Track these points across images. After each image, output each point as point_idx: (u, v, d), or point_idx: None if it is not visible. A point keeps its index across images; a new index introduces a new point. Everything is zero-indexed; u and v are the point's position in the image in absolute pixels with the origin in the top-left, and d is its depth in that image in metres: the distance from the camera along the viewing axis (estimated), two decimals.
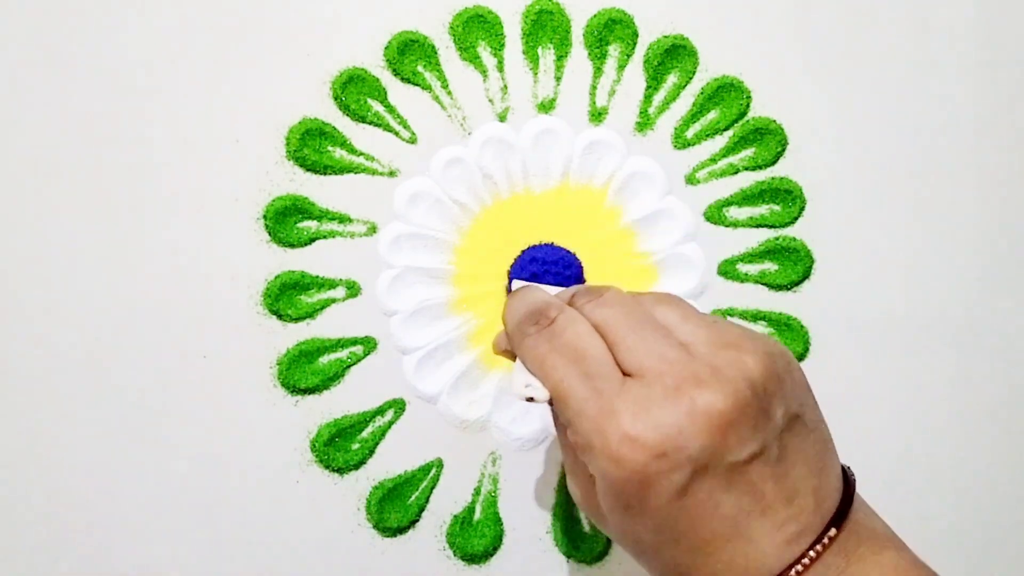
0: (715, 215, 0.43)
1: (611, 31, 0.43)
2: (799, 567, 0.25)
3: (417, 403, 0.42)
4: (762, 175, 0.44)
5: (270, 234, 0.42)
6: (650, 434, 0.25)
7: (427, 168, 0.43)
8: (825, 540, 0.26)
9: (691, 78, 0.44)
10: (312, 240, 0.42)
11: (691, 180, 0.44)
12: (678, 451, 0.25)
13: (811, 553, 0.26)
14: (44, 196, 0.42)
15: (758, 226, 0.44)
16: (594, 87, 0.44)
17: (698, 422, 0.25)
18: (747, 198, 0.44)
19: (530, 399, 0.29)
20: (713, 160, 0.44)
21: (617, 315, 0.28)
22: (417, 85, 0.43)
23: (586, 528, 0.42)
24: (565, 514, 0.42)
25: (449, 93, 0.43)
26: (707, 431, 0.25)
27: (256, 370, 0.42)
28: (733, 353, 0.27)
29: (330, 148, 0.43)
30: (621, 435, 0.25)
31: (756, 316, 0.43)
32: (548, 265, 0.42)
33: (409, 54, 0.43)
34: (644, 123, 0.44)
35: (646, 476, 0.25)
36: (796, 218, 0.44)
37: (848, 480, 0.29)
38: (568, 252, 0.42)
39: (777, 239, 0.43)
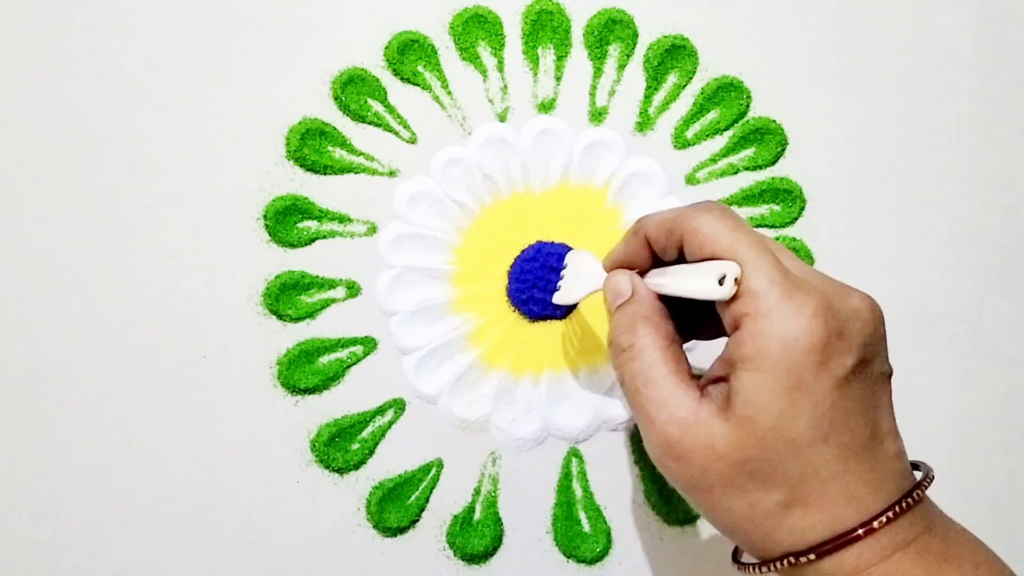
0: None
1: (611, 31, 0.43)
2: (916, 494, 0.28)
3: (417, 403, 0.42)
4: (762, 175, 0.44)
5: (270, 234, 0.42)
6: (839, 313, 0.27)
7: (427, 168, 0.43)
8: (931, 475, 0.29)
9: (691, 78, 0.44)
10: (312, 240, 0.42)
11: (691, 180, 0.44)
12: (853, 335, 0.27)
13: (924, 483, 0.28)
14: (44, 196, 0.42)
15: (758, 226, 0.44)
16: (594, 87, 0.44)
17: (870, 319, 0.28)
18: (747, 198, 0.44)
19: (736, 281, 0.28)
20: (713, 160, 0.44)
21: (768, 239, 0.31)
22: (417, 85, 0.43)
23: (586, 528, 0.42)
24: (565, 514, 0.42)
25: (449, 93, 0.43)
26: (874, 330, 0.28)
27: (256, 370, 0.42)
28: None
29: (330, 148, 0.43)
30: (815, 306, 0.27)
31: None
32: (550, 260, 0.42)
33: (409, 54, 0.43)
34: (644, 123, 0.44)
35: (826, 349, 0.26)
36: (796, 218, 0.44)
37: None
38: (568, 247, 0.42)
39: (777, 239, 0.43)
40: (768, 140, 0.44)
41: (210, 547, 0.41)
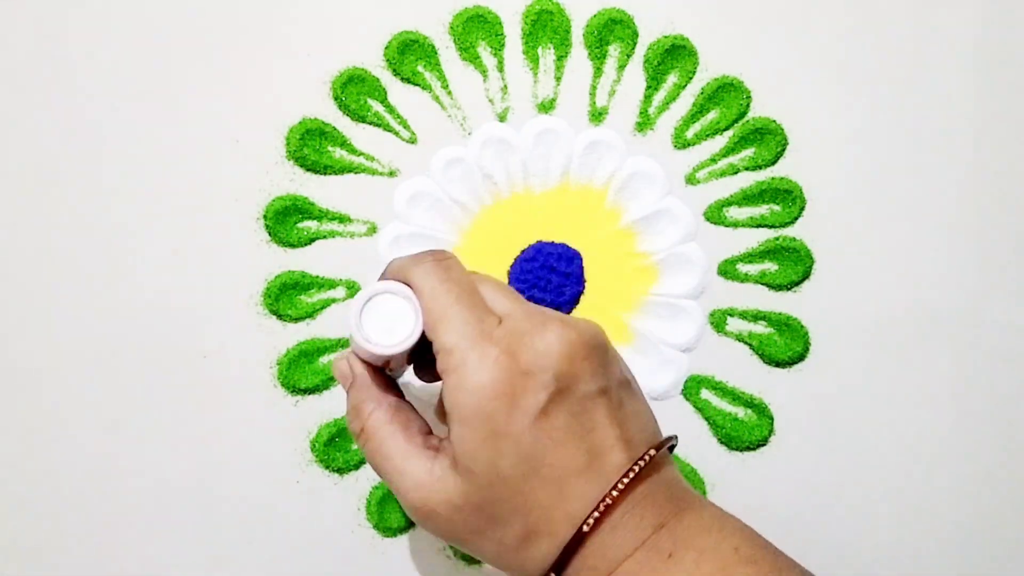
0: (715, 215, 0.43)
1: (611, 31, 0.43)
2: (620, 484, 0.28)
3: (417, 403, 0.42)
4: (762, 175, 0.44)
5: (270, 234, 0.42)
6: (524, 354, 0.29)
7: (427, 168, 0.43)
8: (642, 462, 0.29)
9: (691, 78, 0.44)
10: (312, 240, 0.42)
11: (691, 180, 0.44)
12: (543, 371, 0.28)
13: (627, 476, 0.29)
14: (44, 196, 0.42)
15: (758, 226, 0.44)
16: (594, 87, 0.44)
17: (561, 350, 0.29)
18: (747, 198, 0.44)
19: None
20: (713, 160, 0.44)
21: (479, 276, 0.32)
22: (417, 85, 0.43)
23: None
24: None
25: (449, 93, 0.43)
26: (568, 358, 0.29)
27: (256, 370, 0.42)
28: (579, 318, 0.31)
29: (330, 148, 0.43)
30: (497, 353, 0.29)
31: (756, 316, 0.43)
32: (550, 260, 0.42)
33: (409, 54, 0.43)
34: (644, 123, 0.44)
35: (515, 391, 0.28)
36: (796, 218, 0.44)
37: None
38: (568, 247, 0.42)
39: (777, 239, 0.43)
40: (768, 140, 0.44)
41: (210, 547, 0.41)
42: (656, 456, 0.29)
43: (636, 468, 0.29)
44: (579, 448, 0.28)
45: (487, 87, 0.43)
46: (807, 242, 0.43)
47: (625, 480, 0.28)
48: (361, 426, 0.32)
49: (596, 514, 0.28)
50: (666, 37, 0.44)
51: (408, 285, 0.31)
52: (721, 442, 0.42)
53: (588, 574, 0.28)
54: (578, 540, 0.28)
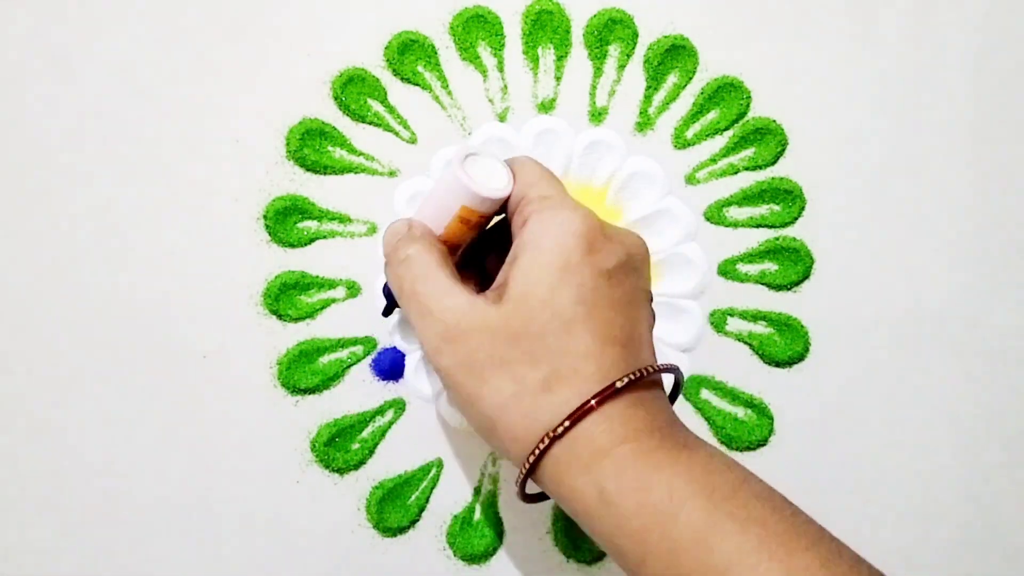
0: (715, 215, 0.43)
1: (611, 31, 0.43)
2: (649, 368, 0.30)
3: (417, 403, 0.42)
4: (762, 175, 0.44)
5: (270, 234, 0.42)
6: (608, 227, 0.32)
7: (427, 168, 0.43)
8: (679, 378, 0.32)
9: (691, 78, 0.44)
10: (312, 240, 0.42)
11: (691, 180, 0.44)
12: (621, 244, 0.31)
13: (664, 368, 0.31)
14: (44, 196, 0.42)
15: (758, 226, 0.44)
16: (594, 87, 0.44)
17: (637, 242, 0.32)
18: (747, 198, 0.44)
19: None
20: (713, 160, 0.44)
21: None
22: (417, 85, 0.43)
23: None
24: (565, 514, 0.42)
25: (449, 93, 0.43)
26: (640, 250, 0.32)
27: (256, 370, 0.42)
28: None
29: (330, 148, 0.43)
30: (589, 212, 0.31)
31: (756, 316, 0.43)
32: None
33: (409, 54, 0.43)
34: (644, 123, 0.44)
35: (595, 243, 0.30)
36: (796, 218, 0.44)
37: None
38: None
39: (777, 239, 0.43)
40: (768, 140, 0.44)
41: (210, 547, 0.41)
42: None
43: (666, 366, 0.30)
44: (624, 324, 0.30)
45: (487, 87, 0.43)
46: (807, 242, 0.43)
47: (656, 369, 0.30)
48: (408, 253, 0.32)
49: (629, 379, 0.29)
50: (666, 37, 0.44)
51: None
52: (721, 442, 0.42)
53: (604, 437, 0.28)
54: (608, 395, 0.29)
